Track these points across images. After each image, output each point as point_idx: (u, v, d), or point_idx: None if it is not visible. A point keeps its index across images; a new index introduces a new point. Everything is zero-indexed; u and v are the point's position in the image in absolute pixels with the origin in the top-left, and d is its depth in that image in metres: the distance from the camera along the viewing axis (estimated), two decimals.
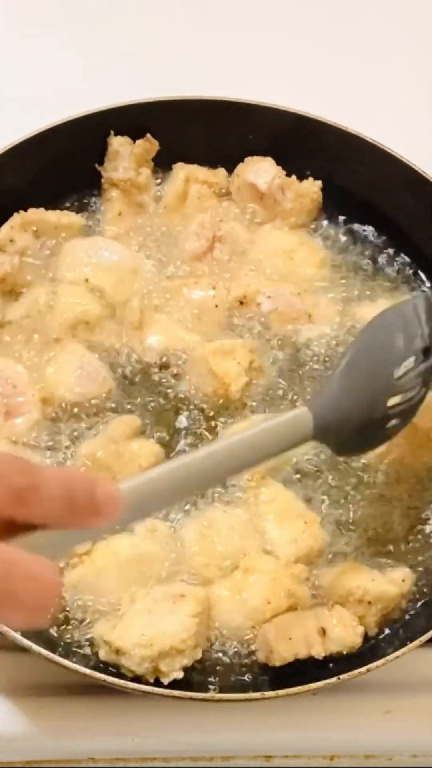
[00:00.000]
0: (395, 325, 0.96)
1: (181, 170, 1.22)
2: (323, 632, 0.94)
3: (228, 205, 1.23)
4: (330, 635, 0.94)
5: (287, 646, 0.94)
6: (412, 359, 0.95)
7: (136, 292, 1.14)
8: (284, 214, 1.21)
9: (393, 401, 0.95)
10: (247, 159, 1.23)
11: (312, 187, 1.22)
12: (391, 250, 1.23)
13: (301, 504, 1.03)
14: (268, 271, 1.18)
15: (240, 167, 1.23)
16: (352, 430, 0.94)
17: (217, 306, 1.14)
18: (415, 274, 1.22)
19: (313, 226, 1.23)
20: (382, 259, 1.23)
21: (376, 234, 1.24)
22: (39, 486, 0.65)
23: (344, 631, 0.95)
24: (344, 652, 0.95)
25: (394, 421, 0.97)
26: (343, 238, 1.23)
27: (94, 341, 1.11)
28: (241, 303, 1.14)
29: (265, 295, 1.14)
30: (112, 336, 1.11)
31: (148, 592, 0.94)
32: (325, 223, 1.24)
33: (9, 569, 0.62)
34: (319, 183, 1.22)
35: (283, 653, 0.94)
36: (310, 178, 1.22)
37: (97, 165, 1.21)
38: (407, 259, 1.23)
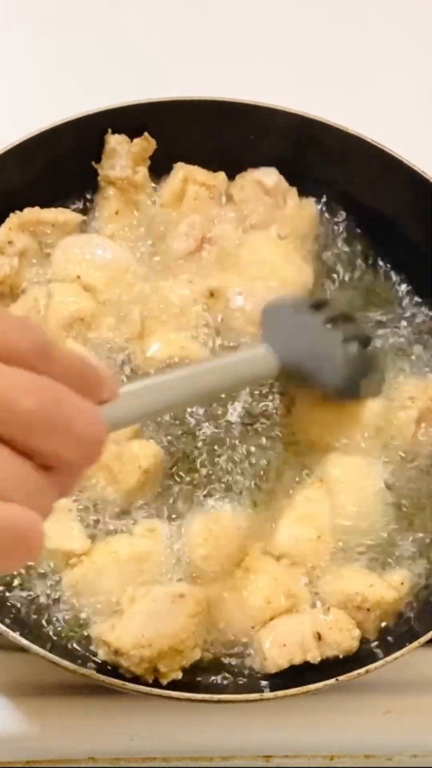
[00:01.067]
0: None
1: (181, 169, 1.22)
2: (319, 636, 0.94)
3: (224, 209, 1.22)
4: (326, 639, 0.94)
5: (281, 652, 0.93)
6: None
7: (135, 300, 1.13)
8: (282, 219, 1.20)
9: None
10: (250, 170, 1.22)
11: (310, 206, 1.21)
12: (390, 250, 1.23)
13: (321, 512, 1.03)
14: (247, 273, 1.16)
15: (245, 172, 1.22)
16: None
17: (195, 301, 1.13)
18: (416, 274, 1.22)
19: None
20: (381, 259, 1.23)
21: (375, 234, 1.24)
22: (54, 350, 0.66)
23: (340, 635, 0.94)
24: (341, 656, 0.94)
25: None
26: (342, 239, 1.23)
27: (92, 338, 1.10)
28: (212, 295, 1.13)
29: (236, 291, 1.13)
30: (110, 332, 1.11)
31: (147, 591, 0.94)
32: (323, 227, 1.24)
33: None
34: (316, 204, 1.22)
35: (277, 660, 0.93)
36: (310, 198, 1.22)
37: (93, 162, 1.21)
38: (409, 257, 1.23)
